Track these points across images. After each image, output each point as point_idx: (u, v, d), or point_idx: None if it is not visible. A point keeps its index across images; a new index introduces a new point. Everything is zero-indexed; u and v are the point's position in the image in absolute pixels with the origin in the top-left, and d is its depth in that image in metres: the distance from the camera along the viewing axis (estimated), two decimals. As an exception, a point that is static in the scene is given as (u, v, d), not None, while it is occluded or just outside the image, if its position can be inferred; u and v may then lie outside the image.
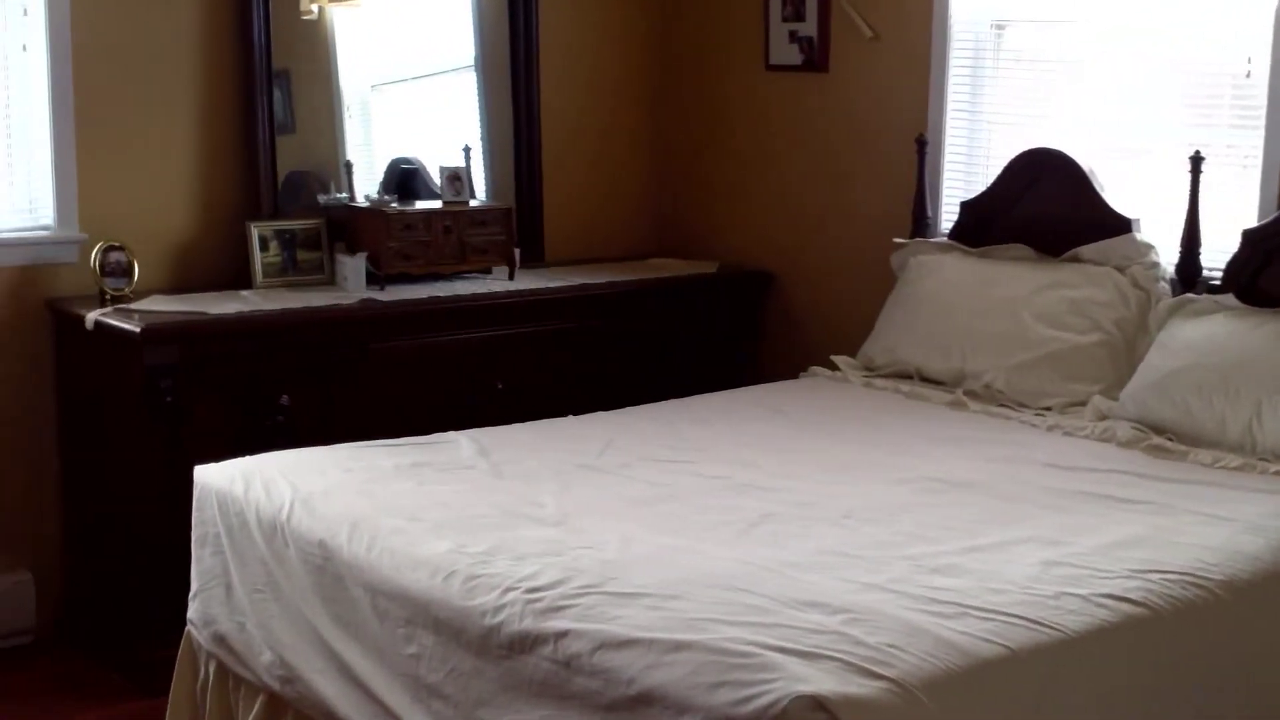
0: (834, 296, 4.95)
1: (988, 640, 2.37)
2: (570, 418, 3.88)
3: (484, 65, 5.10)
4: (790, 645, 2.30)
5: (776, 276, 5.14)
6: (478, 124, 5.09)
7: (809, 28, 4.92)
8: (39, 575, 4.33)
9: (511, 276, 4.72)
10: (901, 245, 4.51)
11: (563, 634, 2.45)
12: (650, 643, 2.34)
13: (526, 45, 5.05)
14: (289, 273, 4.52)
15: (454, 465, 3.43)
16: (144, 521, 4.00)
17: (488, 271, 4.75)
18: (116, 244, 4.23)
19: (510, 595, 2.59)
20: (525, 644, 2.50)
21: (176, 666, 3.49)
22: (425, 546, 2.85)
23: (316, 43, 4.70)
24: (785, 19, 4.99)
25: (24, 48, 4.20)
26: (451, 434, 3.66)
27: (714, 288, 5.09)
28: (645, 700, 2.27)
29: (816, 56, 4.92)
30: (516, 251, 4.77)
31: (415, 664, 2.72)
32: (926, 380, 4.20)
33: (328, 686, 2.95)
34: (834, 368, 4.39)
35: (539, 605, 2.54)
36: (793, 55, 4.98)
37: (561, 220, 5.20)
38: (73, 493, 4.34)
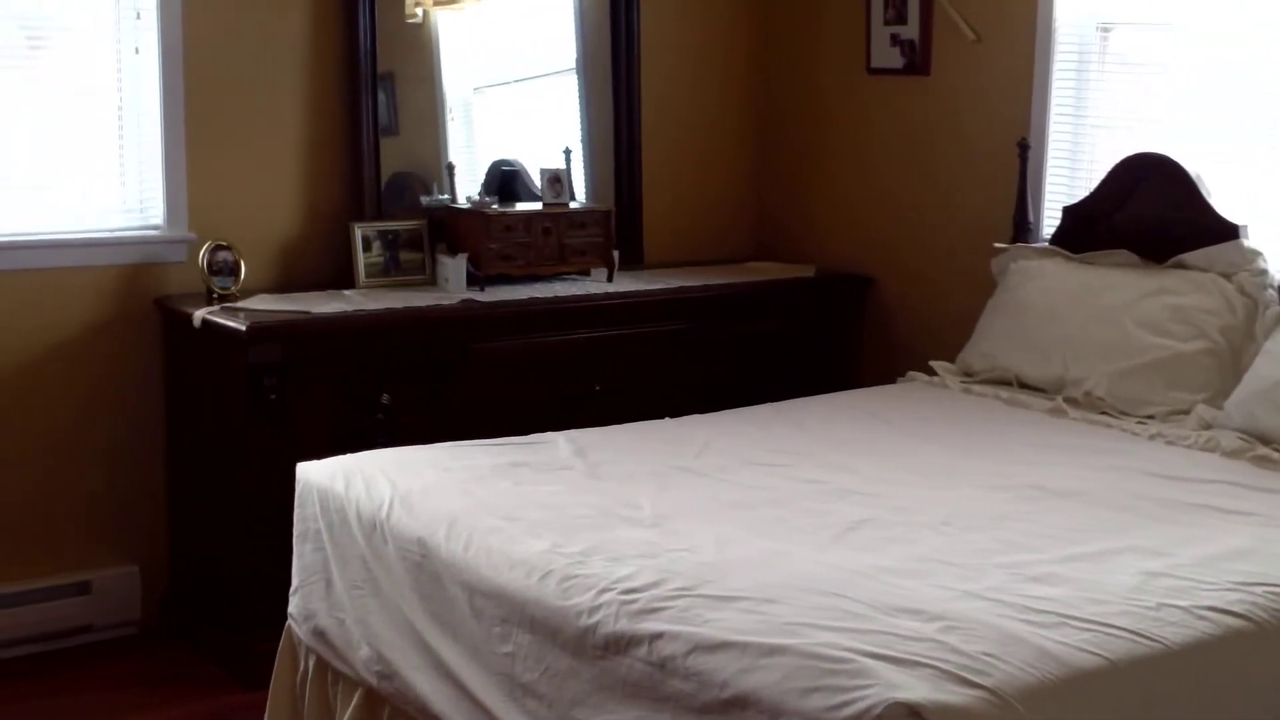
0: (932, 301, 4.92)
1: (1086, 651, 2.34)
2: (667, 420, 3.88)
3: (585, 67, 5.13)
4: (886, 652, 2.29)
5: (875, 280, 5.12)
6: (578, 126, 5.11)
7: (911, 30, 4.90)
8: (145, 568, 4.40)
9: (610, 278, 4.74)
10: (1002, 250, 4.46)
11: (657, 636, 2.45)
12: (745, 646, 2.34)
13: (628, 47, 5.08)
14: (391, 273, 4.56)
15: (552, 465, 3.44)
16: (247, 516, 4.05)
17: (586, 273, 4.77)
18: (224, 243, 4.29)
19: (606, 596, 2.60)
20: (620, 645, 2.50)
21: (277, 660, 3.53)
22: (522, 546, 2.86)
23: (420, 46, 4.75)
24: (887, 22, 4.97)
25: (136, 50, 4.27)
26: (549, 434, 3.68)
27: (812, 291, 5.08)
28: (739, 704, 2.27)
29: (918, 59, 4.89)
30: (615, 254, 4.78)
31: (510, 663, 2.74)
32: (1026, 387, 4.15)
33: (424, 683, 2.97)
34: (932, 373, 4.36)
35: (634, 607, 2.54)
36: (894, 58, 4.96)
37: (660, 222, 5.21)
38: (178, 487, 4.41)
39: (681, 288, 4.78)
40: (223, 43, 4.36)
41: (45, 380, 4.22)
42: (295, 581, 3.46)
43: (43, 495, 4.26)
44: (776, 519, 3.01)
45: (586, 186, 5.07)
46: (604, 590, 2.62)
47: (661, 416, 3.92)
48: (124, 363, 4.33)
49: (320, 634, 3.34)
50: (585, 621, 2.58)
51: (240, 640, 4.05)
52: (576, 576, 2.70)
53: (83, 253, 4.25)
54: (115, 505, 4.37)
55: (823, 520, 3.00)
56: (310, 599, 3.40)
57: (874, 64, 5.04)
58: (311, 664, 3.41)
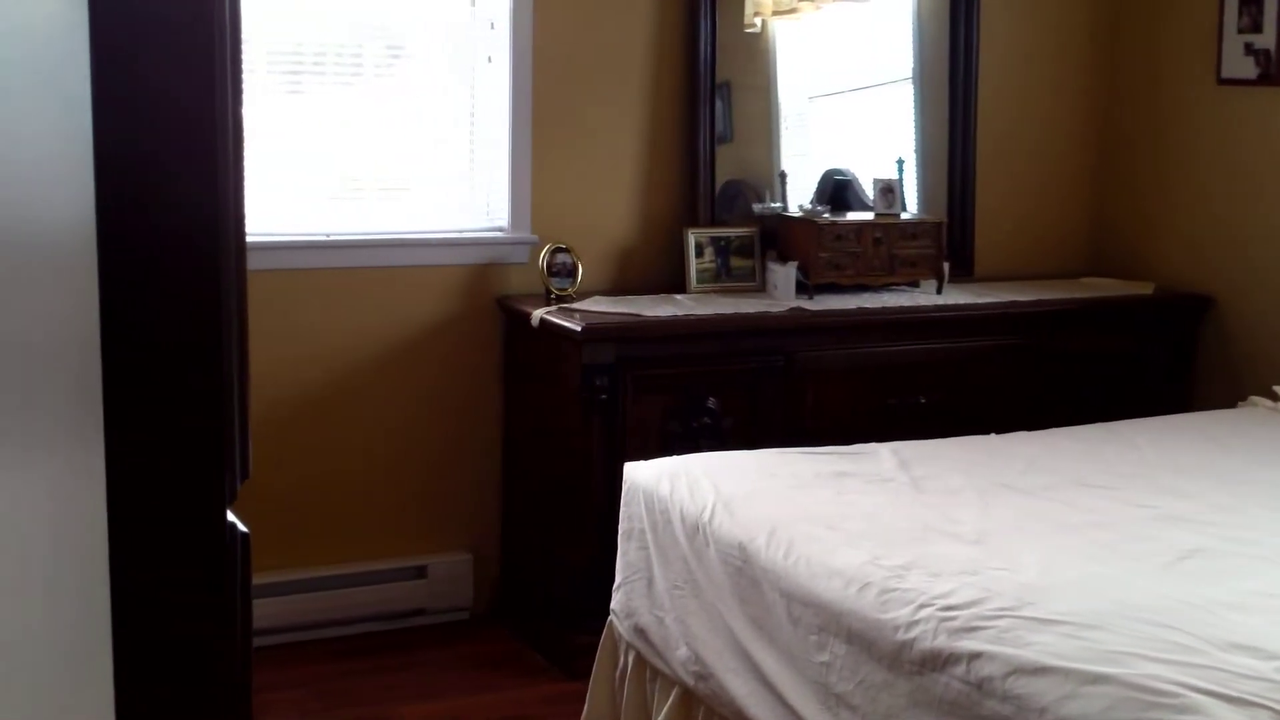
0: (1278, 324, 4.70)
1: None
2: (993, 436, 3.82)
3: (921, 77, 5.08)
4: (1217, 689, 2.21)
5: (1216, 300, 4.90)
6: (912, 136, 5.07)
7: (1267, 39, 4.68)
8: (478, 556, 4.54)
9: (939, 290, 4.67)
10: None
11: (976, 655, 2.42)
12: (1067, 672, 2.29)
13: (966, 57, 5.01)
14: (722, 279, 4.59)
15: (874, 477, 3.41)
16: (575, 512, 4.14)
17: (915, 284, 4.72)
18: (563, 246, 4.40)
19: (924, 612, 2.57)
20: (937, 662, 2.48)
21: (598, 654, 3.59)
22: (841, 556, 2.85)
23: (757, 55, 4.78)
24: (1241, 30, 4.75)
25: (489, 59, 4.42)
26: (873, 445, 3.66)
27: (1149, 310, 4.90)
28: (1058, 731, 2.22)
29: (1274, 69, 4.67)
30: (946, 265, 4.72)
31: (825, 672, 2.74)
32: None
33: (740, 686, 2.99)
34: (1275, 398, 4.16)
35: (953, 624, 2.51)
36: (1247, 68, 4.75)
37: (992, 235, 5.12)
38: (512, 479, 4.52)
39: (1012, 302, 4.68)
40: (570, 52, 4.47)
41: (394, 373, 4.38)
42: (618, 578, 3.52)
43: (386, 481, 4.43)
44: (1103, 543, 2.92)
45: (918, 197, 5.02)
46: (923, 605, 2.59)
47: (987, 432, 3.85)
48: (465, 358, 4.46)
49: (640, 631, 3.39)
50: (902, 636, 2.56)
51: (564, 631, 4.14)
52: (896, 590, 2.68)
53: (433, 252, 4.40)
54: (452, 494, 4.51)
55: (1152, 546, 2.90)
56: (632, 596, 3.45)
57: (1225, 74, 4.83)
58: (631, 660, 3.46)
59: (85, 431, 1.18)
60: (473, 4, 4.40)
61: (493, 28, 4.40)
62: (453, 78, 4.42)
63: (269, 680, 3.93)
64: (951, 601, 2.58)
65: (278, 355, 4.18)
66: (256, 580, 1.37)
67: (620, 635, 3.51)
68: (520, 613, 4.46)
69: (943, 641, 2.48)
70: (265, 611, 4.09)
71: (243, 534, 1.27)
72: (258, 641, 1.36)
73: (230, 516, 1.26)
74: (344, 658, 4.22)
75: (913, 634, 2.54)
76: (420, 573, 4.45)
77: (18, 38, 1.09)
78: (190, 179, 1.20)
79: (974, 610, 2.54)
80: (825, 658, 2.75)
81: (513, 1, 4.36)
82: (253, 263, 1.63)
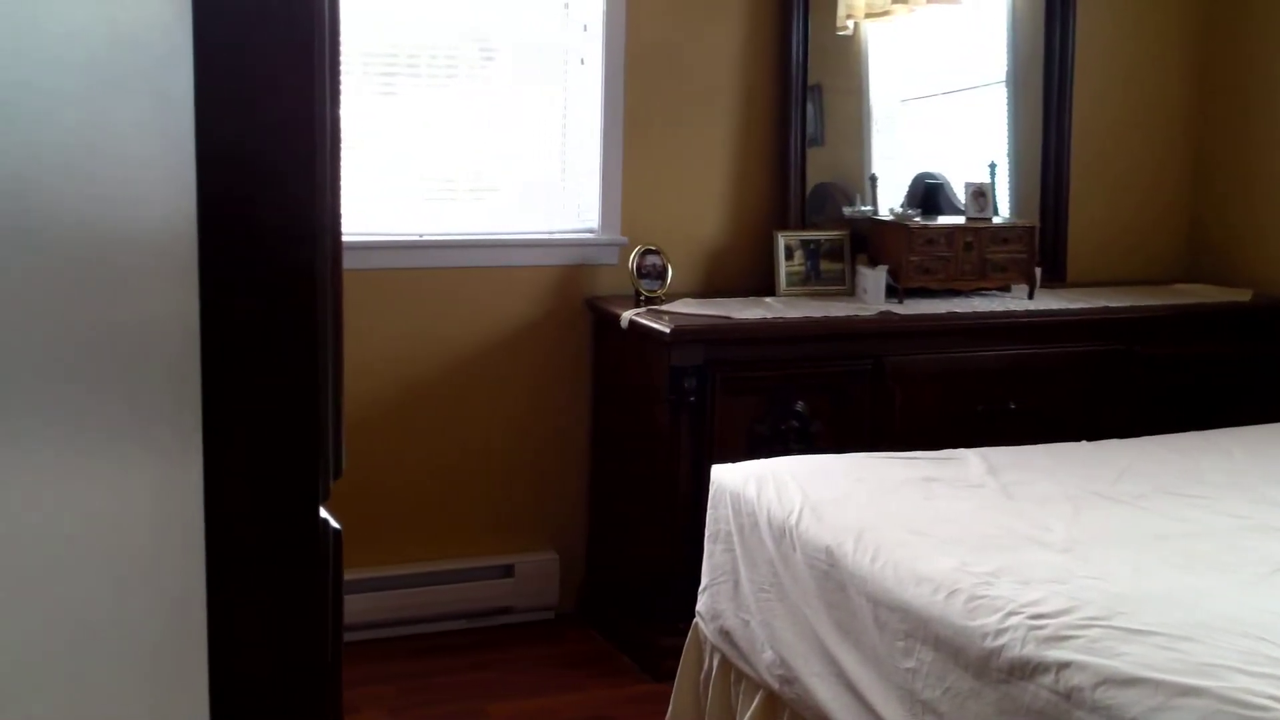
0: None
1: None
2: (1084, 443, 3.77)
3: (1016, 81, 5.03)
4: (1311, 703, 2.17)
5: (1317, 308, 4.82)
6: (1005, 140, 5.02)
7: (1372, 43, 4.59)
8: (564, 556, 4.56)
9: (1031, 295, 4.62)
10: None
11: (1065, 665, 2.39)
12: (1158, 684, 2.25)
13: (1061, 61, 4.96)
14: (811, 282, 4.57)
15: (963, 482, 3.38)
16: (662, 514, 4.14)
17: (1006, 289, 4.67)
18: (653, 248, 4.41)
19: (1013, 619, 2.54)
20: (1025, 670, 2.45)
21: (683, 655, 3.58)
22: (929, 562, 2.83)
23: (849, 57, 4.76)
24: (1345, 34, 4.67)
25: (582, 61, 4.44)
26: (962, 451, 3.63)
27: (1246, 317, 4.82)
28: (1148, 743, 2.19)
29: (1379, 75, 4.58)
30: (1038, 270, 4.68)
31: (912, 678, 2.72)
32: None
33: (824, 691, 2.98)
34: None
35: (1042, 633, 2.48)
36: (1351, 73, 4.66)
37: (1085, 240, 5.07)
38: (599, 479, 4.54)
39: (1106, 308, 4.62)
40: (662, 55, 4.48)
41: (483, 373, 4.42)
42: (705, 580, 3.51)
43: (474, 480, 4.46)
44: (1196, 553, 2.88)
45: (1011, 201, 4.97)
46: (1012, 613, 2.56)
47: (1078, 439, 3.81)
48: (555, 359, 4.49)
49: (726, 634, 3.38)
50: (991, 644, 2.53)
51: (649, 632, 4.14)
52: (984, 597, 2.65)
53: (523, 253, 4.44)
54: (540, 493, 4.53)
55: (1246, 558, 2.85)
56: (718, 599, 3.43)
57: (1328, 79, 4.76)
58: (716, 662, 3.45)
59: (184, 428, 1.20)
60: (566, 6, 4.42)
61: (585, 30, 4.42)
62: (545, 80, 4.44)
63: (360, 676, 3.98)
64: (1041, 610, 2.55)
65: (370, 355, 4.22)
66: (348, 576, 1.39)
67: (705, 637, 3.49)
68: (606, 613, 4.47)
69: (1031, 650, 2.45)
70: (356, 607, 4.13)
71: (335, 530, 1.29)
72: (349, 636, 1.38)
73: (323, 513, 1.27)
74: (432, 655, 4.25)
75: (1001, 641, 2.51)
76: (508, 571, 4.48)
77: (123, 37, 1.12)
78: (289, 179, 1.22)
79: (1064, 619, 2.51)
80: (912, 664, 2.73)
81: (606, 4, 4.37)
82: (347, 262, 1.64)
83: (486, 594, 4.45)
